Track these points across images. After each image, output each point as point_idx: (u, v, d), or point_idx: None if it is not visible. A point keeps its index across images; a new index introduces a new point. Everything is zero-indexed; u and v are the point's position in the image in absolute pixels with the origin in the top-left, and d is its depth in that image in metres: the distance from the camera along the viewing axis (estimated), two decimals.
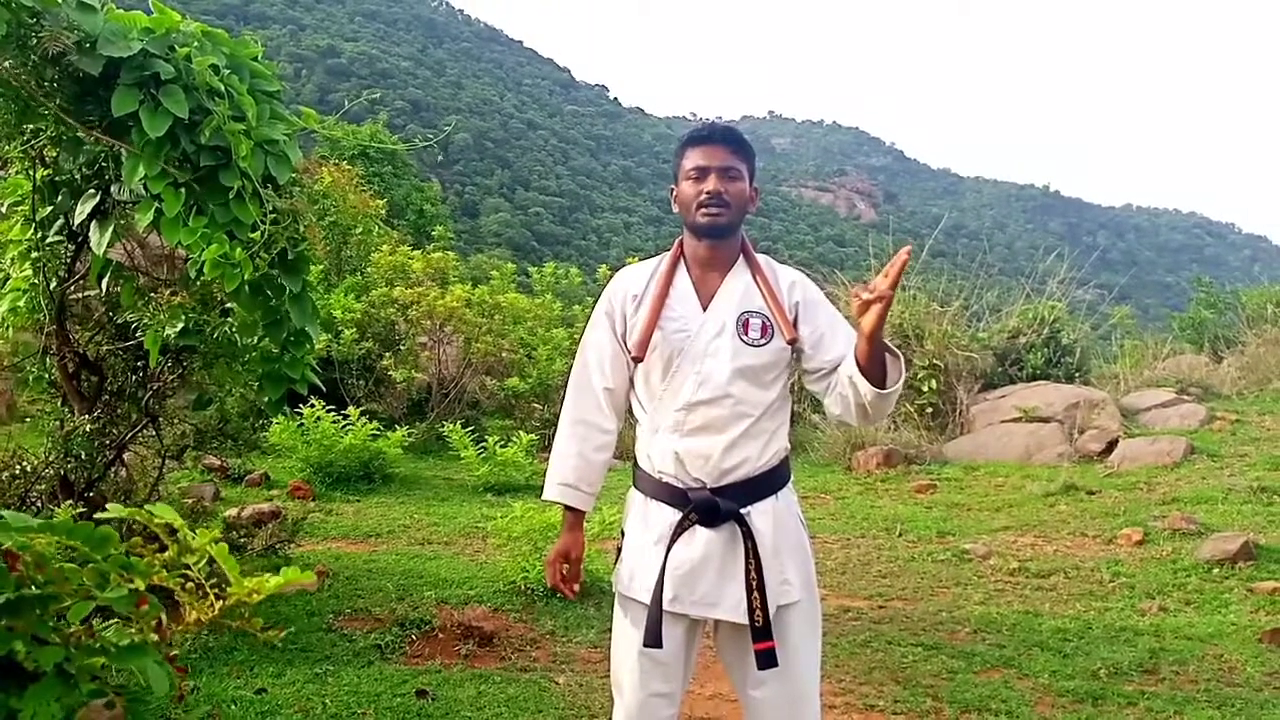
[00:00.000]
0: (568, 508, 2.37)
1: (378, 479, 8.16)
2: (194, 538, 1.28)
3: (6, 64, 3.11)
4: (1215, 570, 5.40)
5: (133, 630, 1.23)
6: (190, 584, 1.28)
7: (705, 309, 2.28)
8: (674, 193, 2.37)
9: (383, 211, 14.40)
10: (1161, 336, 13.42)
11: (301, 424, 7.92)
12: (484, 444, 8.37)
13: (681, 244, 2.37)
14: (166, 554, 1.27)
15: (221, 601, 1.28)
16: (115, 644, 1.22)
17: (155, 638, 1.24)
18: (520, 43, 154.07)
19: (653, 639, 2.18)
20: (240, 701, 3.52)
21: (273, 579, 1.30)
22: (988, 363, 10.83)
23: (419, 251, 12.38)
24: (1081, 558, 5.94)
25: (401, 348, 10.77)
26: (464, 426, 8.86)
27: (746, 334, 2.25)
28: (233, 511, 5.85)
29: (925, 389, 10.18)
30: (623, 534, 2.39)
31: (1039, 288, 11.88)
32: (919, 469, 8.89)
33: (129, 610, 1.22)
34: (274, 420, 7.54)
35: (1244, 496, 6.79)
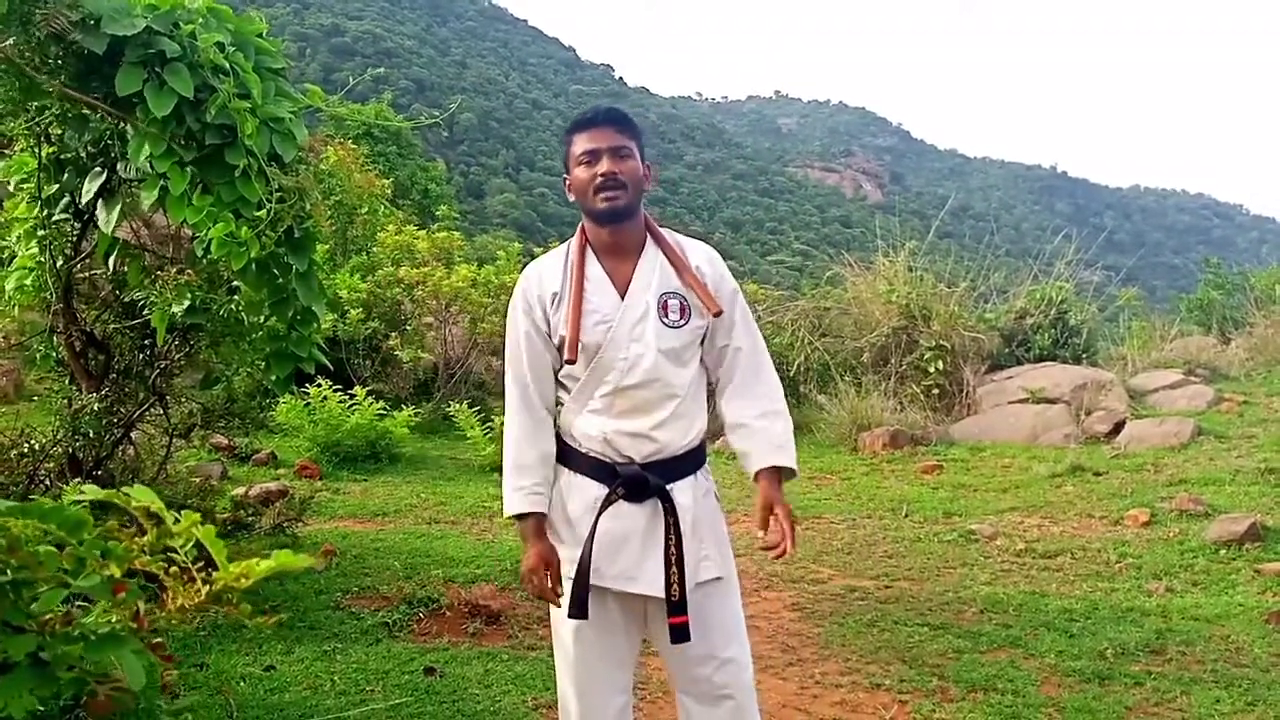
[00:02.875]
0: (533, 514, 2.29)
1: (384, 458, 8.18)
2: (176, 521, 1.21)
3: (10, 42, 3.09)
4: (1222, 551, 5.38)
5: (111, 618, 1.17)
6: (174, 568, 1.21)
7: (623, 297, 2.26)
8: (567, 182, 2.32)
9: (388, 191, 14.36)
10: (1169, 318, 13.35)
11: (308, 403, 7.93)
12: (490, 424, 8.38)
13: (584, 231, 2.33)
14: (146, 538, 1.21)
15: (209, 587, 1.21)
16: (93, 632, 1.15)
17: (133, 626, 1.18)
18: (525, 21, 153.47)
19: (579, 610, 2.20)
20: (249, 678, 3.54)
21: (263, 563, 1.23)
22: (994, 344, 10.80)
23: (424, 231, 12.36)
24: (1088, 539, 5.93)
25: (407, 328, 10.77)
26: (470, 406, 8.87)
27: (666, 316, 2.24)
28: (240, 490, 5.87)
29: (932, 370, 10.16)
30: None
31: (1046, 269, 11.83)
32: (925, 450, 8.88)
33: (105, 598, 1.17)
34: (281, 399, 7.56)
35: (1251, 478, 6.76)
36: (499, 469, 8.09)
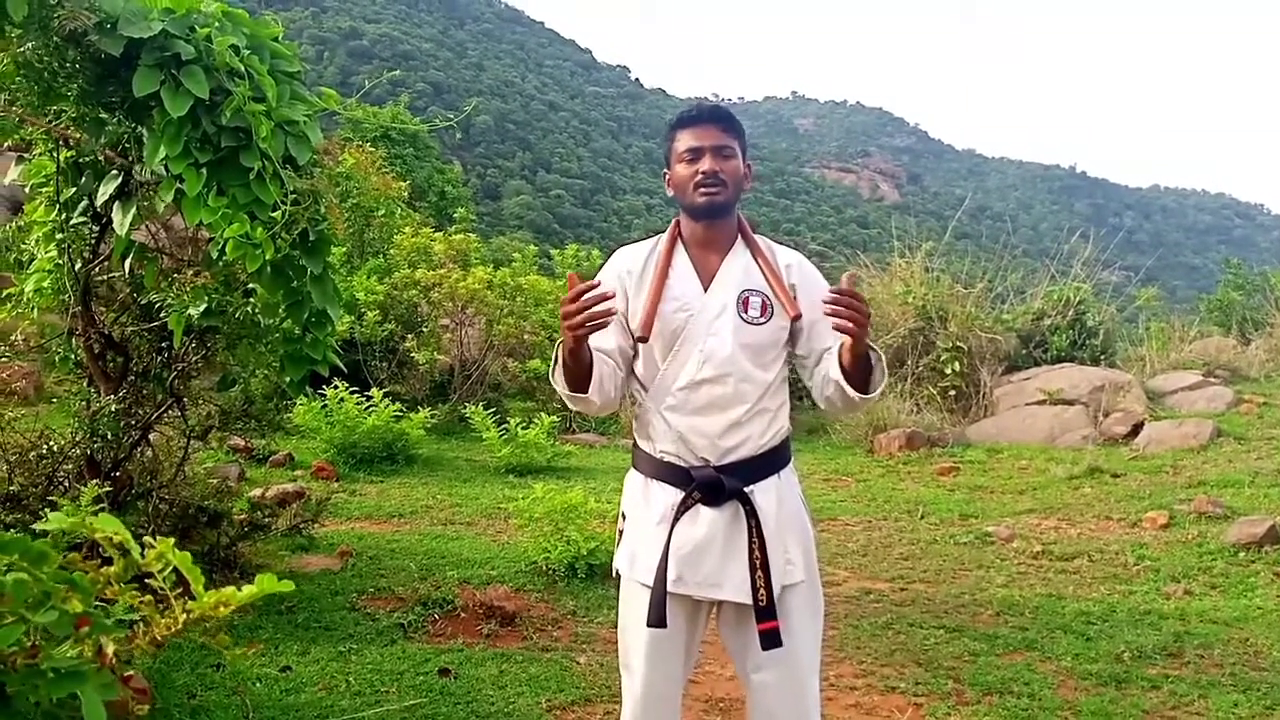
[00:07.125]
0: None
1: (400, 460, 8.20)
2: (145, 553, 1.16)
3: (29, 45, 3.12)
4: (1241, 554, 5.34)
5: (76, 652, 1.12)
6: (148, 596, 1.16)
7: (706, 289, 2.26)
8: (668, 177, 2.34)
9: (405, 194, 14.40)
10: (1189, 318, 13.27)
11: (325, 405, 7.96)
12: (506, 425, 8.39)
13: (678, 224, 2.35)
14: (112, 569, 1.16)
15: (187, 615, 1.17)
16: (55, 668, 1.09)
17: (96, 664, 1.11)
18: (542, 24, 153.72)
19: (657, 618, 2.16)
20: (265, 679, 3.56)
21: (245, 589, 1.19)
22: (1011, 345, 10.76)
23: (441, 233, 12.39)
24: (1106, 541, 5.90)
25: (424, 329, 10.79)
26: (486, 408, 8.87)
27: (746, 312, 2.23)
28: (257, 492, 5.90)
29: (948, 371, 10.12)
30: (623, 516, 2.37)
31: (1064, 269, 11.78)
32: (942, 451, 8.84)
33: (66, 632, 1.11)
34: (297, 401, 7.59)
35: (1271, 480, 6.71)
36: (514, 470, 8.07)
